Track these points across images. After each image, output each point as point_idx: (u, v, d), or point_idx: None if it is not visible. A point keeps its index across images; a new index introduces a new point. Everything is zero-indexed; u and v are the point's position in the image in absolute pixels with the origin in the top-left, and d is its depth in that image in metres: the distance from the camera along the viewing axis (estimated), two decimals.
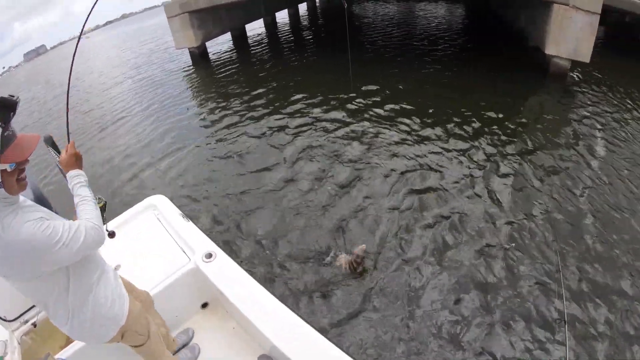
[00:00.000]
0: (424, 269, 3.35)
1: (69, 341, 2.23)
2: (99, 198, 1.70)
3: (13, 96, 1.20)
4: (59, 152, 1.69)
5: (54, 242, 1.25)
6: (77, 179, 1.55)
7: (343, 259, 3.49)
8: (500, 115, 6.17)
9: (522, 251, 3.44)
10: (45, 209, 1.38)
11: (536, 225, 3.73)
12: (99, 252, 1.65)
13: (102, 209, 1.70)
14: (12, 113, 1.19)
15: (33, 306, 2.28)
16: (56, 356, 1.29)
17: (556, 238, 3.50)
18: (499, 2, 13.27)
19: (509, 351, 2.63)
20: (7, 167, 1.19)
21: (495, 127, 5.82)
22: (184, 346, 2.33)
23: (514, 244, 3.52)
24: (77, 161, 1.59)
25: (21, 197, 1.36)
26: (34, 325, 2.28)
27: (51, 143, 1.75)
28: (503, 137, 5.52)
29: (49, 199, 2.04)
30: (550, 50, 7.28)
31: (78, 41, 2.24)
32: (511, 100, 6.77)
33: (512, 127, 5.80)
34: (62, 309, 1.46)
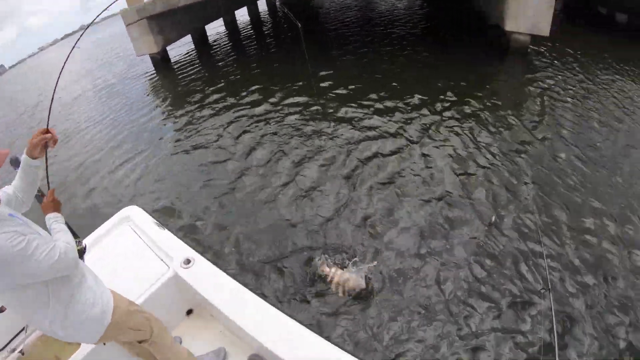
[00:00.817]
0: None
1: None
2: (78, 241, 1.73)
3: None
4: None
5: (26, 256, 1.30)
6: (54, 219, 1.65)
7: (334, 274, 3.12)
8: (464, 94, 6.30)
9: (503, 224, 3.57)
10: (23, 220, 1.46)
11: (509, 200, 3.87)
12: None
13: (81, 252, 1.74)
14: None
15: (19, 333, 2.24)
16: None
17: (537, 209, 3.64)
18: None
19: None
20: None
21: (459, 106, 5.95)
22: None
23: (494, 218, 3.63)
24: (55, 206, 1.71)
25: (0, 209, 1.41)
26: (22, 353, 2.23)
27: (17, 164, 1.77)
28: (466, 114, 5.67)
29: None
30: (509, 26, 7.44)
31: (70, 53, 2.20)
32: (474, 79, 6.91)
33: (476, 104, 5.93)
34: (46, 318, 1.50)
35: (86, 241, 2.79)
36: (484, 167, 4.36)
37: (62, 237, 1.54)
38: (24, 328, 2.24)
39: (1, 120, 15.65)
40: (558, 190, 3.86)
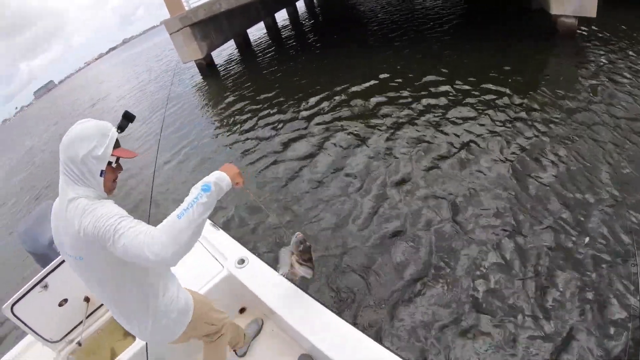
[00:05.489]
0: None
1: (113, 357, 2.32)
2: None
3: (133, 114, 1.53)
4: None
5: (112, 233, 1.22)
6: (216, 179, 1.38)
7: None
8: (516, 83, 6.02)
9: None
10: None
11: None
12: None
13: None
14: (129, 124, 1.52)
15: (77, 325, 2.37)
16: None
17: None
18: None
19: None
20: (114, 161, 1.42)
21: (511, 95, 5.69)
22: (255, 336, 2.41)
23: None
24: (237, 175, 1.51)
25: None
26: (79, 344, 2.37)
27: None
28: (519, 104, 5.39)
29: None
30: (555, 9, 7.08)
31: None
32: (523, 66, 6.57)
33: (529, 92, 5.62)
34: (141, 310, 1.53)
35: None
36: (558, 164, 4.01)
37: (171, 221, 1.27)
38: (81, 321, 2.37)
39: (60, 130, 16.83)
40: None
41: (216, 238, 2.62)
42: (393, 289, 3.10)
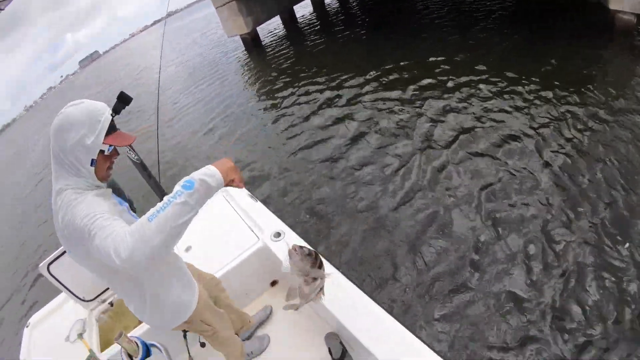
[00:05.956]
0: None
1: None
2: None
3: (130, 95, 1.40)
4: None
5: (86, 233, 1.12)
6: (202, 174, 1.14)
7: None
8: (566, 77, 5.66)
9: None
10: (117, 202, 1.40)
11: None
12: None
13: None
14: (125, 107, 1.40)
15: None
16: (130, 334, 1.36)
17: None
18: None
19: None
20: (107, 149, 1.28)
21: (564, 92, 5.33)
22: (260, 324, 2.41)
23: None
24: (231, 171, 1.22)
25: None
26: (111, 304, 2.49)
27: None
28: (567, 100, 5.08)
29: (124, 190, 2.13)
30: (613, 4, 6.60)
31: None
32: (575, 61, 6.17)
33: (579, 88, 5.27)
34: (135, 296, 1.48)
35: None
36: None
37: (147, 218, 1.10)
38: None
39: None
40: None
41: (254, 210, 2.64)
42: (426, 276, 3.08)
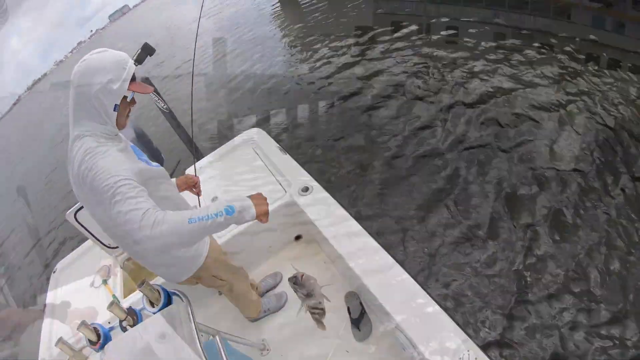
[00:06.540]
0: None
1: None
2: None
3: (153, 46, 1.45)
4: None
5: (109, 195, 1.13)
6: (243, 207, 1.22)
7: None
8: None
9: None
10: (137, 158, 1.40)
11: None
12: (182, 196, 1.73)
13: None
14: (148, 57, 1.44)
15: None
16: (152, 281, 1.39)
17: None
18: None
19: None
20: (130, 95, 1.33)
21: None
22: (269, 290, 2.40)
23: None
24: (263, 215, 1.27)
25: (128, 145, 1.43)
26: None
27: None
28: None
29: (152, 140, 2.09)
30: None
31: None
32: None
33: None
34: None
35: (210, 157, 3.00)
36: None
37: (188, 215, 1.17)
38: None
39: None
40: None
41: (282, 162, 2.58)
42: (449, 239, 3.05)
